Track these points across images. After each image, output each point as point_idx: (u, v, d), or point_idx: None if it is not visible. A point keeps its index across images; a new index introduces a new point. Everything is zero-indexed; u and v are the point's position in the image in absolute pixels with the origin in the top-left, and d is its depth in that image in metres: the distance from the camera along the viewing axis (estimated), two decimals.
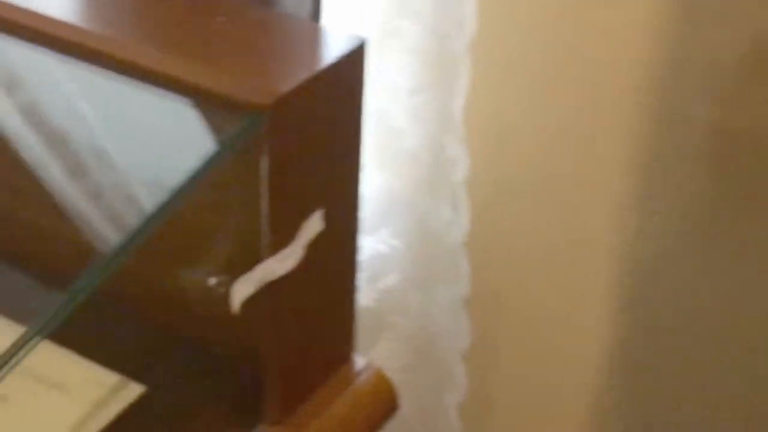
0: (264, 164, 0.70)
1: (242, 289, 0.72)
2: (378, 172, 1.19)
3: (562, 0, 1.16)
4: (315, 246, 0.77)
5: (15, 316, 0.88)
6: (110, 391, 0.86)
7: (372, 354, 1.31)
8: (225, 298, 0.73)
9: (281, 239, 0.74)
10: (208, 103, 0.69)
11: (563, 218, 1.27)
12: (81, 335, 0.87)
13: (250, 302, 0.75)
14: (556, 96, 1.21)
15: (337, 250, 0.83)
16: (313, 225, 0.76)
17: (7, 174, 0.93)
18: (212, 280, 0.75)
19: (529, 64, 1.21)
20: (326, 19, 0.96)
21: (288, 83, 0.68)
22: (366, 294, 1.24)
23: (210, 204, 0.75)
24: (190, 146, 0.72)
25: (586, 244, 1.28)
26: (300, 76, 0.70)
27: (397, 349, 1.31)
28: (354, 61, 0.74)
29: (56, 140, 0.86)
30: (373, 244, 1.22)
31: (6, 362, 0.74)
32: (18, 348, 0.74)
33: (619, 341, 1.31)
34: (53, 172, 0.89)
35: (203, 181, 0.70)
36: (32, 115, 0.87)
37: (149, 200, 0.79)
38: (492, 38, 1.16)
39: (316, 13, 0.90)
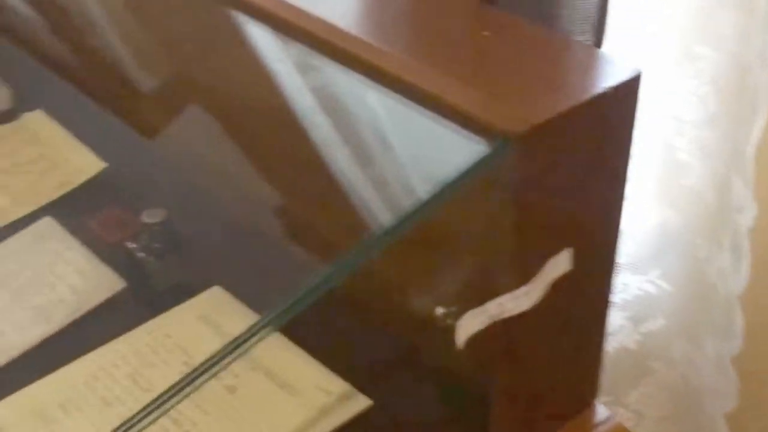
0: (510, 194, 0.65)
1: (470, 324, 0.67)
2: (655, 207, 1.10)
3: None
4: (559, 285, 0.71)
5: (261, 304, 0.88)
6: (337, 399, 0.84)
7: (628, 399, 1.23)
8: (451, 329, 0.69)
9: (521, 275, 0.68)
10: (458, 122, 0.64)
11: None
12: (319, 338, 0.87)
13: (482, 335, 0.70)
14: None
15: (586, 291, 0.77)
16: (559, 264, 0.70)
17: (282, 162, 0.94)
18: (439, 310, 0.70)
19: None
20: (610, 40, 0.88)
21: (546, 111, 0.63)
22: (627, 335, 1.16)
23: (447, 228, 0.71)
24: (435, 165, 0.69)
25: None
26: (561, 104, 0.64)
27: (655, 397, 1.22)
28: (626, 93, 0.68)
29: (315, 137, 0.86)
30: (640, 283, 1.14)
31: (232, 350, 0.73)
32: (246, 338, 0.73)
33: None
34: (309, 167, 0.89)
35: (442, 202, 0.66)
36: (305, 110, 0.87)
37: (388, 212, 0.77)
38: None
39: (598, 34, 0.83)
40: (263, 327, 0.73)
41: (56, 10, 1.27)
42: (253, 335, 0.72)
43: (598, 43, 0.82)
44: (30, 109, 1.18)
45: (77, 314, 0.91)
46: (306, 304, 0.69)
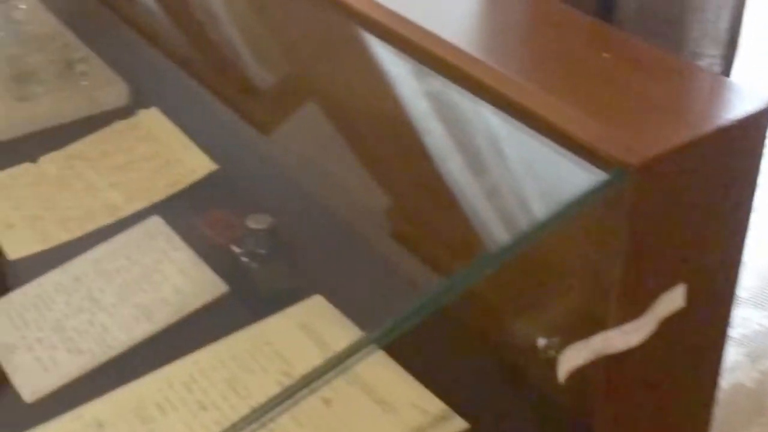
0: (623, 226, 0.62)
1: (572, 358, 0.65)
2: None
3: None
4: (671, 322, 0.68)
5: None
6: (433, 420, 0.83)
7: None
8: (553, 361, 0.66)
9: (630, 310, 0.65)
10: (573, 149, 0.62)
11: None
12: (418, 355, 0.85)
13: (585, 368, 0.68)
14: None
15: (701, 326, 0.74)
16: (673, 300, 0.67)
17: (395, 175, 0.93)
18: (541, 341, 0.68)
19: None
20: (741, 64, 0.84)
21: (666, 142, 0.60)
22: (745, 372, 1.12)
23: (555, 256, 0.68)
24: (548, 190, 0.66)
25: None
26: (682, 135, 0.61)
27: None
28: (754, 124, 0.64)
29: (429, 151, 0.85)
30: (761, 318, 1.09)
31: (334, 366, 0.73)
32: (349, 354, 0.72)
33: None
34: (422, 182, 0.88)
35: (554, 228, 0.64)
36: (420, 124, 0.86)
37: (498, 234, 0.75)
38: None
39: (728, 59, 0.79)
40: (368, 344, 0.72)
41: (178, 7, 1.29)
42: (356, 351, 0.71)
43: (727, 68, 0.78)
44: (146, 106, 1.19)
45: (179, 315, 0.91)
46: (413, 323, 0.68)
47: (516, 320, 0.75)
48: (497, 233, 0.78)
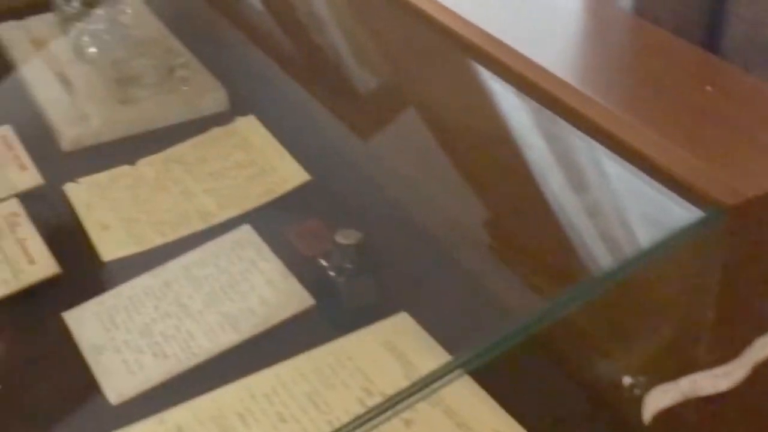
0: (718, 266, 0.60)
1: (659, 400, 0.63)
2: None
3: None
4: (766, 366, 0.65)
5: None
6: None
7: None
8: (638, 400, 0.64)
9: (721, 353, 0.63)
10: (670, 186, 0.60)
11: None
12: (502, 380, 0.84)
13: (672, 410, 0.66)
14: None
15: None
16: (767, 345, 0.64)
17: (490, 198, 0.92)
18: (627, 379, 0.66)
19: None
20: None
21: (765, 183, 0.58)
22: None
23: (645, 293, 0.66)
24: (642, 226, 0.64)
25: None
26: None
27: None
28: None
29: (524, 177, 0.83)
30: None
31: (420, 389, 0.72)
32: (435, 378, 0.72)
33: None
34: (516, 207, 0.86)
35: (646, 264, 0.62)
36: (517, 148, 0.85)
37: (590, 266, 0.73)
38: None
39: None
40: (455, 368, 0.71)
41: (284, 9, 1.30)
42: (443, 376, 0.71)
43: None
44: (244, 112, 1.20)
45: (264, 326, 0.91)
46: (502, 350, 0.66)
47: (603, 354, 0.73)
48: (591, 263, 0.76)
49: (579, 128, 0.68)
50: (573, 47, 0.73)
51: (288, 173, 1.10)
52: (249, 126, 1.18)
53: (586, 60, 0.72)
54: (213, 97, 1.23)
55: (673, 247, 0.61)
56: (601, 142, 0.65)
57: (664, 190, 0.61)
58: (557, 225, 0.79)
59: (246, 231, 1.02)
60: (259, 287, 0.95)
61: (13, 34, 1.38)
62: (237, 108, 1.22)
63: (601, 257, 0.72)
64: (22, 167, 1.14)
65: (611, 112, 0.64)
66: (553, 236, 0.80)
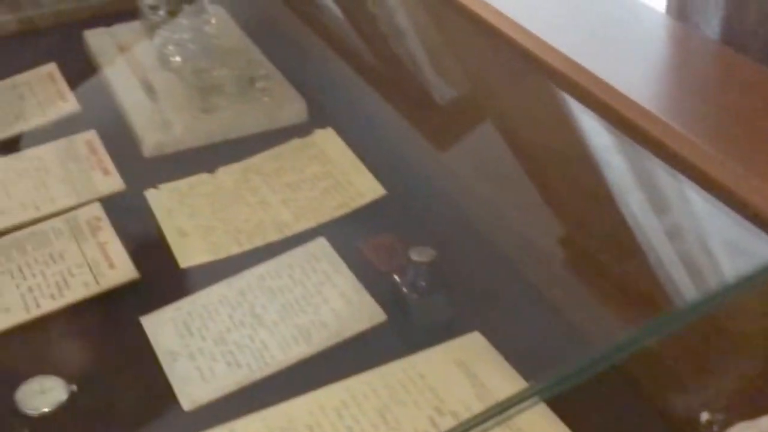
0: None
1: None
2: None
3: None
4: None
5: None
6: None
7: None
8: None
9: None
10: (753, 220, 0.59)
11: None
12: (572, 405, 0.83)
13: None
14: None
15: None
16: None
17: (566, 221, 0.92)
18: (704, 416, 0.65)
19: None
20: None
21: None
22: None
23: (728, 329, 0.65)
24: (724, 260, 0.63)
25: None
26: None
27: None
28: None
29: (604, 203, 0.83)
30: None
31: (494, 415, 0.71)
32: (511, 405, 0.71)
33: None
34: (594, 232, 0.85)
35: (726, 300, 0.61)
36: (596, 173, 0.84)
37: (671, 298, 0.72)
38: None
39: None
40: (532, 395, 0.71)
41: (364, 30, 1.31)
42: (519, 402, 0.70)
43: None
44: (323, 124, 1.21)
45: (336, 339, 0.92)
46: (582, 379, 0.66)
47: (682, 388, 0.72)
48: (672, 295, 0.75)
49: (659, 156, 0.67)
50: (657, 76, 0.73)
51: (364, 187, 1.10)
52: (327, 138, 1.19)
53: (670, 88, 0.71)
54: (292, 109, 1.24)
55: (760, 282, 0.60)
56: (683, 173, 0.64)
57: (747, 224, 0.60)
58: (638, 253, 0.78)
59: (321, 243, 1.03)
60: (333, 300, 0.96)
61: (101, 40, 1.41)
62: (316, 119, 1.23)
63: (684, 288, 0.71)
64: (106, 172, 1.16)
65: (693, 143, 0.64)
66: (632, 264, 0.80)
